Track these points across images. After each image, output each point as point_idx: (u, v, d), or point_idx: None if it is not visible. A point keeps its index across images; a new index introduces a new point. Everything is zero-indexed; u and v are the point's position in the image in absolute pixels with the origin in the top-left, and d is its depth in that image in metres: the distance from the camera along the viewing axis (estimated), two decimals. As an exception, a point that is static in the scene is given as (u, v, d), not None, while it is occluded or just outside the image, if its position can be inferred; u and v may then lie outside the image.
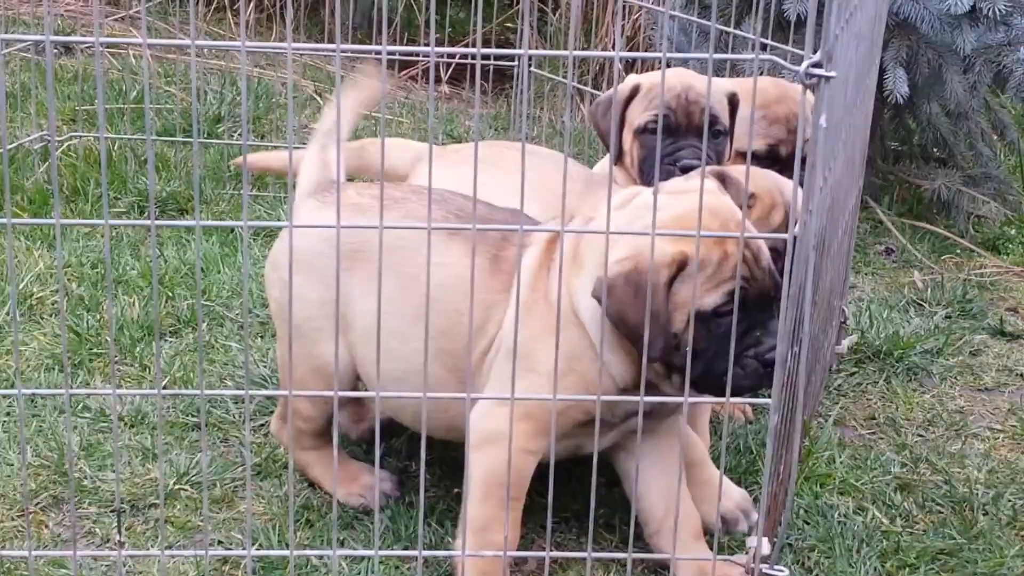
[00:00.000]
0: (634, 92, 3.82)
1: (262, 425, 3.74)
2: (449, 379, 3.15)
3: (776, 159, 3.83)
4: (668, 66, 3.48)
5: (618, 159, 3.80)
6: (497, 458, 2.99)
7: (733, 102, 3.80)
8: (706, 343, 3.01)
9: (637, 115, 3.79)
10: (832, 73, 2.78)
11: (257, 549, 3.23)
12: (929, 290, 4.94)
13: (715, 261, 3.00)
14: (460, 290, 2.97)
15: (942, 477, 3.76)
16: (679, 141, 3.74)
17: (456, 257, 3.11)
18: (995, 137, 5.91)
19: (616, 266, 2.96)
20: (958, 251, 5.35)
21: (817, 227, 3.03)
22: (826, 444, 3.84)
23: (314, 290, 3.14)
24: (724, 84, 3.88)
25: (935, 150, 5.72)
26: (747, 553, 3.08)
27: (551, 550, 3.23)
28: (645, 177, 3.74)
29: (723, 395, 2.95)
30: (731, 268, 2.99)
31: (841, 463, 3.78)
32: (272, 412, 3.66)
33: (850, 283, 4.81)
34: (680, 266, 2.98)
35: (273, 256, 3.41)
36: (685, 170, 3.65)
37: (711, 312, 3.00)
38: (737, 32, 4.76)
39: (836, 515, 3.53)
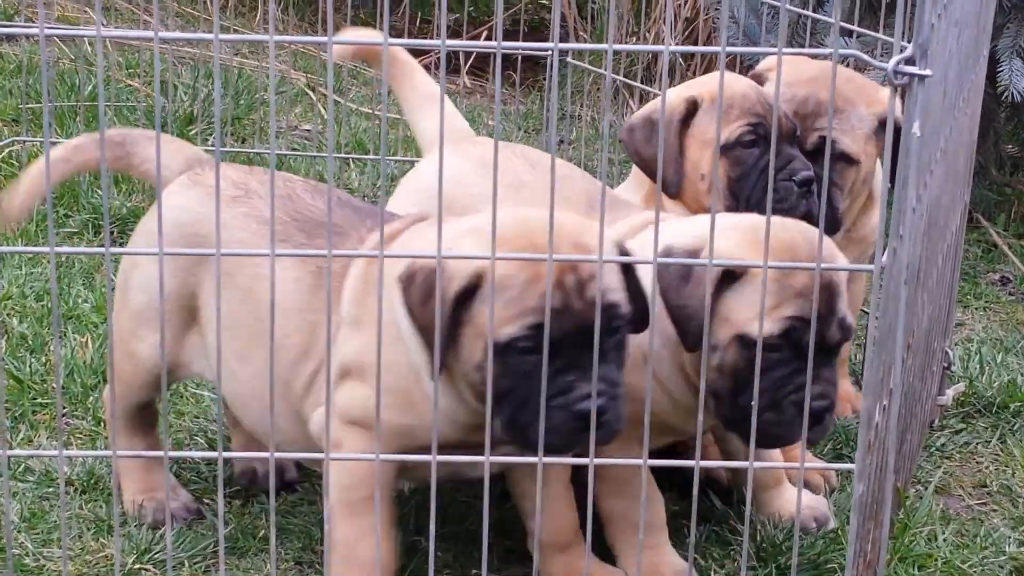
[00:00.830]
0: (692, 108, 3.88)
1: (240, 491, 3.79)
2: (281, 405, 3.32)
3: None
4: (728, 61, 3.54)
5: (677, 192, 3.85)
6: (341, 469, 3.18)
7: None
8: (509, 383, 3.01)
9: (726, 130, 3.85)
10: (927, 71, 2.81)
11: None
12: (1054, 328, 4.96)
13: (518, 284, 2.97)
14: (281, 309, 3.07)
15: (1069, 559, 3.78)
16: (780, 152, 3.80)
17: (279, 271, 3.17)
18: None
19: (415, 264, 3.05)
20: (1090, 281, 5.37)
21: (910, 255, 3.04)
22: (926, 517, 3.84)
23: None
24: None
25: (1062, 157, 5.74)
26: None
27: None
28: (747, 198, 3.80)
29: (530, 452, 2.97)
30: (539, 295, 2.93)
31: (945, 540, 3.77)
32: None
33: (956, 321, 4.81)
34: (473, 283, 2.99)
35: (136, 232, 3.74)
36: (804, 183, 3.74)
37: (506, 344, 2.97)
38: (817, 16, 4.80)
39: (937, 605, 3.56)
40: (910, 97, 2.82)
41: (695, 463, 2.88)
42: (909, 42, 2.79)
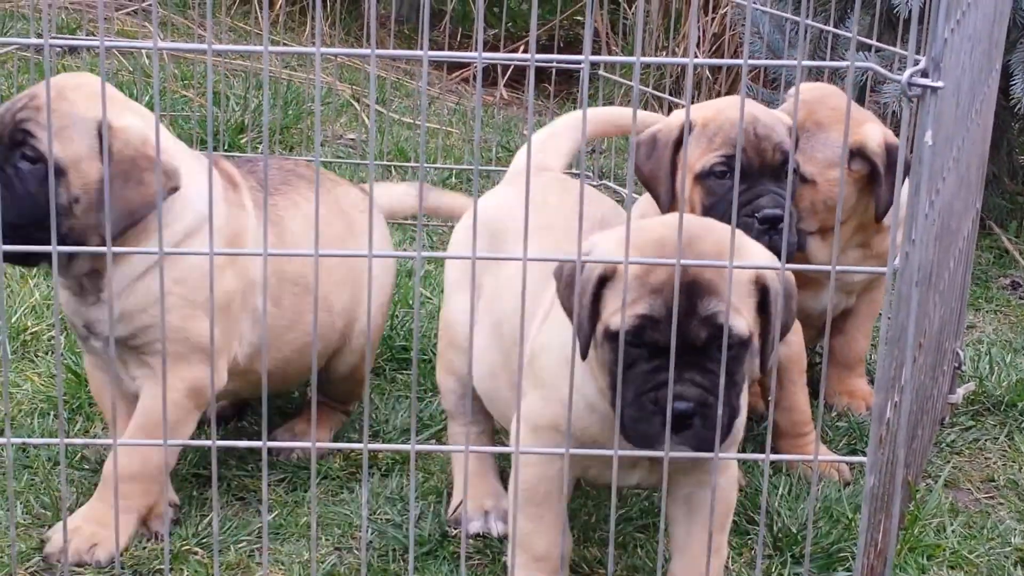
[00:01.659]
0: (682, 131, 3.83)
1: (282, 480, 3.81)
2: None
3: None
4: (753, 74, 3.55)
5: (669, 210, 3.81)
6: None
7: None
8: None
9: (698, 157, 3.77)
10: (939, 83, 2.81)
11: (275, 622, 3.29)
12: (1063, 331, 4.94)
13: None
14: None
15: (1073, 550, 3.77)
16: (755, 186, 3.73)
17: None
18: None
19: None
20: (1097, 286, 5.34)
21: (922, 258, 3.04)
22: (935, 510, 3.83)
23: None
24: (782, 115, 3.91)
25: (1071, 167, 5.72)
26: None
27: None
28: None
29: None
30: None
31: (953, 532, 3.77)
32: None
33: (967, 323, 4.80)
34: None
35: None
36: (766, 221, 3.69)
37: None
38: (837, 31, 4.79)
39: (946, 593, 3.55)
40: (923, 108, 2.82)
41: (765, 456, 2.94)
42: (923, 55, 2.81)
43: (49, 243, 2.79)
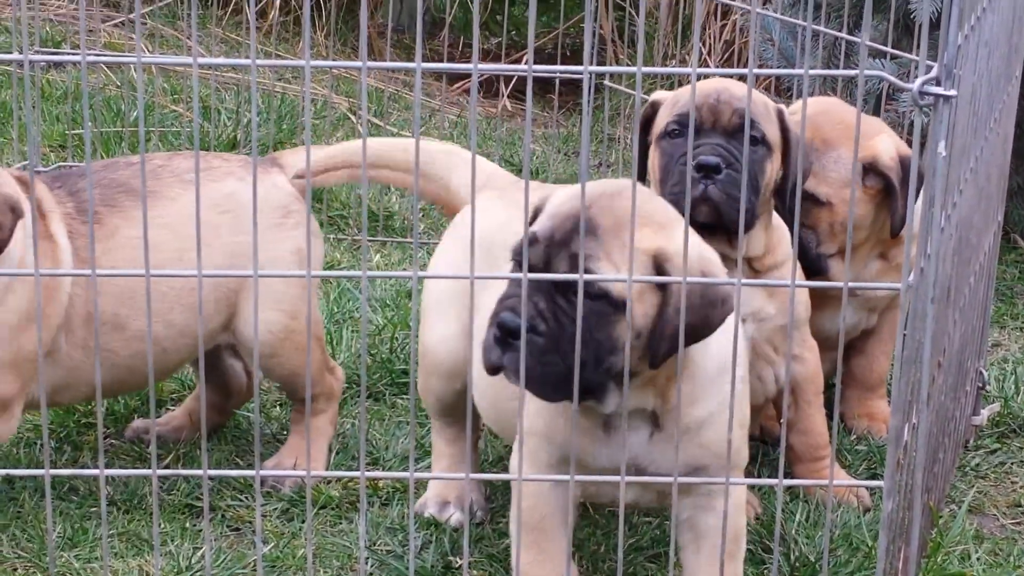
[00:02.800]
0: (654, 109, 3.92)
1: (276, 510, 3.84)
2: None
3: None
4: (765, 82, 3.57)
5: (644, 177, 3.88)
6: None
7: (782, 119, 3.83)
8: None
9: (660, 124, 3.85)
10: (952, 92, 2.83)
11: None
12: (1091, 348, 4.95)
13: None
14: None
15: (1101, 577, 3.78)
16: (702, 141, 3.76)
17: None
18: None
19: None
20: None
21: (938, 274, 3.06)
22: (959, 536, 3.84)
23: None
24: (771, 102, 3.95)
25: (1100, 178, 5.73)
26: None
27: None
28: (666, 188, 3.79)
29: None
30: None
31: (978, 559, 3.77)
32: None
33: (991, 341, 4.81)
34: None
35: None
36: (701, 168, 3.71)
37: None
38: (850, 38, 4.82)
39: (970, 623, 3.56)
40: (935, 118, 2.84)
41: (779, 481, 2.96)
42: (933, 62, 2.82)
43: None
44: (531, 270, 2.92)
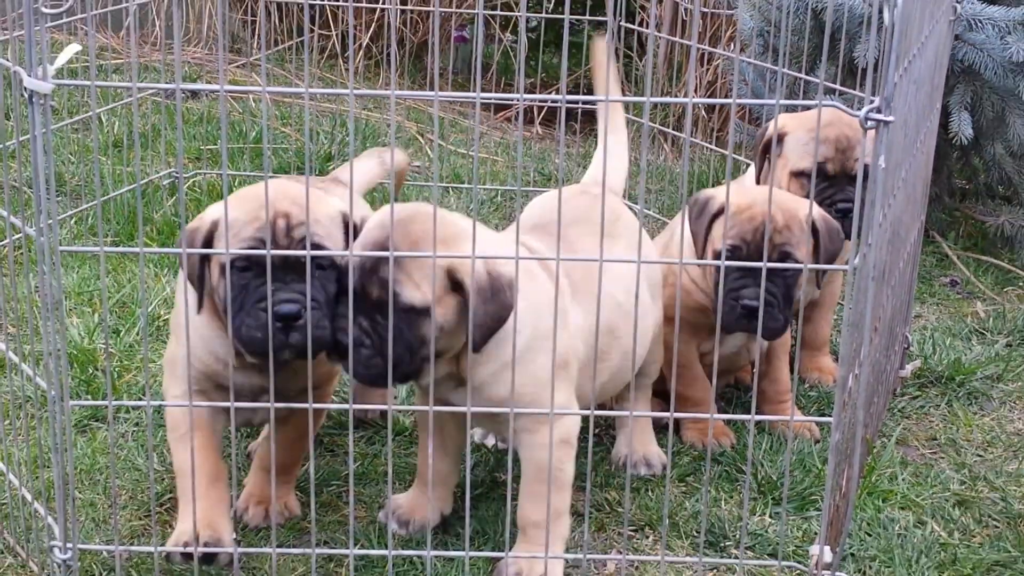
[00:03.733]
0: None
1: (361, 436, 3.87)
2: None
3: (824, 176, 3.96)
4: (743, 112, 3.58)
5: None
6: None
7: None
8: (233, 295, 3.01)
9: (720, 236, 3.71)
10: (890, 118, 2.83)
11: (359, 549, 3.34)
12: (991, 320, 4.94)
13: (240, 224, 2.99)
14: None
15: (999, 495, 3.77)
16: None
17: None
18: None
19: None
20: (1021, 283, 5.34)
21: (876, 259, 3.07)
22: (888, 462, 3.86)
23: None
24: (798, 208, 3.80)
25: (1000, 188, 5.71)
26: (811, 560, 3.12)
27: (627, 554, 3.31)
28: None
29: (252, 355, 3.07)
30: (255, 229, 2.99)
31: (903, 480, 3.79)
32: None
33: (914, 312, 4.82)
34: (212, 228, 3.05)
35: None
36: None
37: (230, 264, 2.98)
38: (808, 78, 4.82)
39: (897, 528, 3.56)
40: (878, 138, 2.85)
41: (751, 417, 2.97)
42: (876, 95, 2.83)
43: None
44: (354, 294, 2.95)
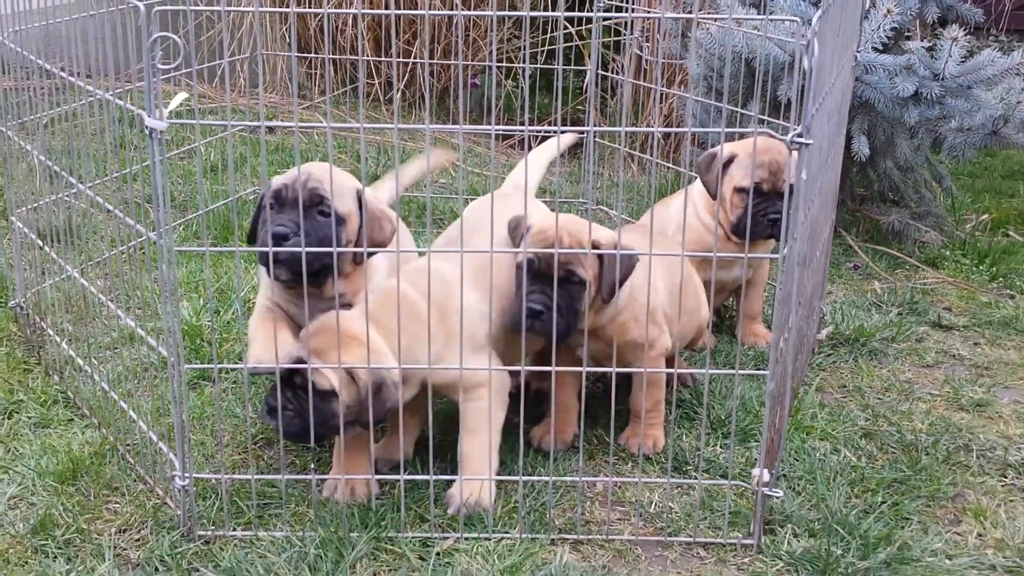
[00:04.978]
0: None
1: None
2: None
3: (760, 192, 3.95)
4: (693, 138, 3.57)
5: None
6: None
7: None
8: None
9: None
10: (810, 141, 2.83)
11: (407, 475, 3.32)
12: (886, 295, 4.92)
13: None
14: None
15: (895, 428, 3.78)
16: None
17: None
18: (935, 184, 5.88)
19: None
20: (907, 267, 5.33)
21: (800, 249, 3.07)
22: (810, 404, 3.86)
23: None
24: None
25: (890, 194, 5.70)
26: (753, 479, 3.12)
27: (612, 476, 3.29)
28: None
29: None
30: None
31: (821, 418, 3.79)
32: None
33: (827, 290, 4.82)
34: None
35: None
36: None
37: None
38: (743, 111, 4.81)
39: (817, 455, 3.56)
40: (801, 157, 2.85)
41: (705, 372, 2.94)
42: (798, 124, 2.83)
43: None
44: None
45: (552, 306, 3.12)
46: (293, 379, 2.98)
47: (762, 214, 3.96)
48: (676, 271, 3.36)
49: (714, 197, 4.01)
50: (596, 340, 3.34)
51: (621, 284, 3.23)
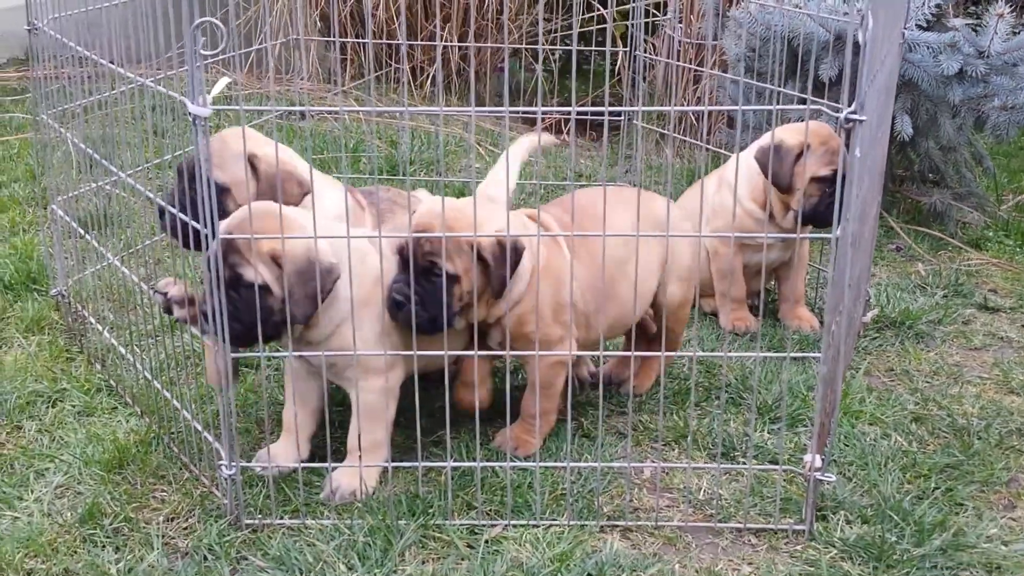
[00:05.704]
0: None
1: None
2: None
3: (832, 180, 3.91)
4: (744, 118, 3.50)
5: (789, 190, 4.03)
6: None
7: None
8: None
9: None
10: (864, 117, 2.78)
11: (454, 461, 3.30)
12: (930, 276, 4.86)
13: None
14: None
15: (946, 412, 3.72)
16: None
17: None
18: (976, 164, 5.79)
19: None
20: (950, 248, 5.25)
21: (852, 229, 3.01)
22: (858, 388, 3.81)
23: None
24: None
25: (931, 175, 5.62)
26: (804, 465, 3.07)
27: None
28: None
29: None
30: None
31: (870, 402, 3.75)
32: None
33: (872, 272, 4.75)
34: None
35: None
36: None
37: None
38: (784, 91, 4.74)
39: (868, 440, 3.52)
40: (854, 134, 2.79)
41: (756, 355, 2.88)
42: (851, 103, 2.77)
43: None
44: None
45: (415, 298, 2.97)
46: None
47: (831, 200, 3.89)
48: (599, 257, 3.00)
49: (785, 190, 3.95)
50: (500, 330, 3.14)
51: (512, 274, 3.00)
